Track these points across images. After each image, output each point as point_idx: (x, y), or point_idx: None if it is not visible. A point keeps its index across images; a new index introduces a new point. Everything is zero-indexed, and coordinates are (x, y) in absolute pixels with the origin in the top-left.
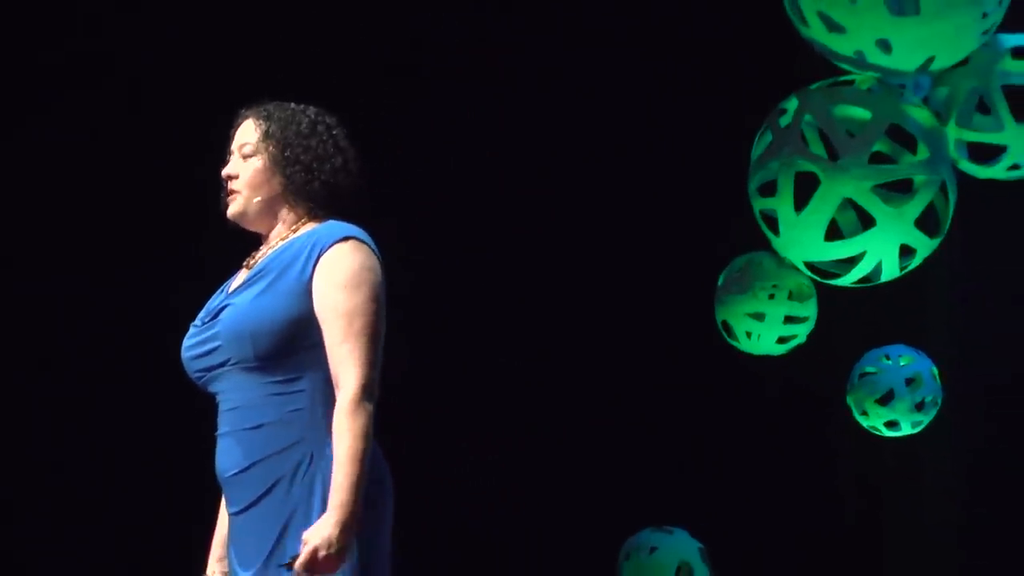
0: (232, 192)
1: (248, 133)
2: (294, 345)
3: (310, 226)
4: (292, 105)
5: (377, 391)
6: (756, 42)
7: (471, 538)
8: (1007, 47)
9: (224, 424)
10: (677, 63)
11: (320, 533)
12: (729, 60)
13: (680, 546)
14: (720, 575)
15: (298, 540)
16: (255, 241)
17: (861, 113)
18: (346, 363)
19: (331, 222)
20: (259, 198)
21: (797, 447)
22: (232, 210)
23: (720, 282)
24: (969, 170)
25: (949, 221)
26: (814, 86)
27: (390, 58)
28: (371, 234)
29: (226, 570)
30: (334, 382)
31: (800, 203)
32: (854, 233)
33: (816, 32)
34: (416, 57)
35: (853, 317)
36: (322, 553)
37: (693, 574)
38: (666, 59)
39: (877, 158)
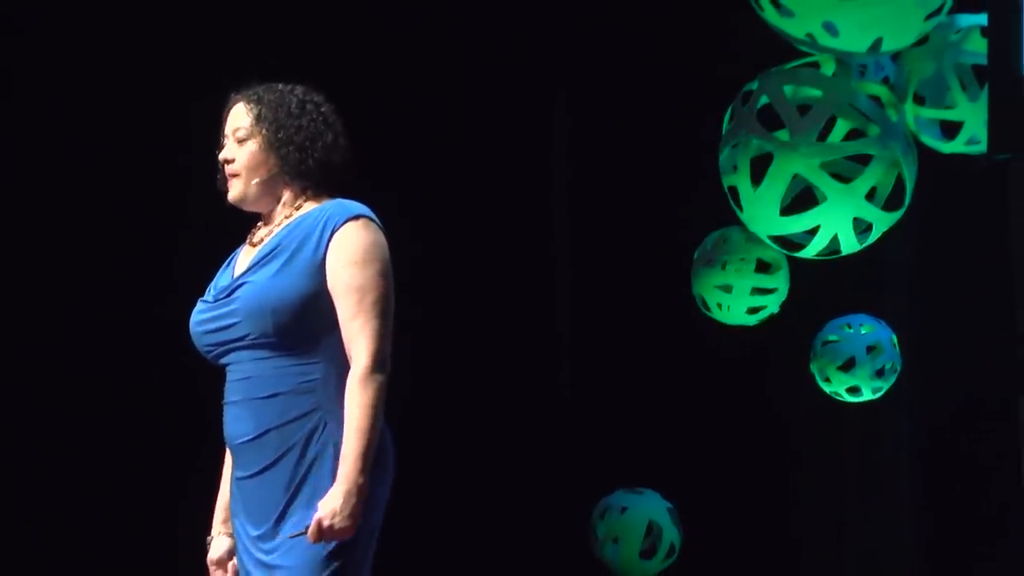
0: (231, 176)
1: (240, 117)
2: (310, 320)
3: (314, 204)
4: (280, 86)
5: (389, 364)
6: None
7: (450, 499)
8: (961, 27)
9: (235, 393)
10: (658, 38)
11: (329, 504)
12: (711, 36)
13: (650, 506)
14: (687, 533)
15: (308, 503)
16: (247, 219)
17: (815, 93)
18: (358, 337)
19: (339, 200)
20: (257, 180)
21: (762, 413)
22: (233, 194)
23: (696, 256)
24: (933, 145)
25: (908, 195)
26: (778, 68)
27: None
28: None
29: (230, 531)
30: (347, 355)
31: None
32: None
33: (770, 16)
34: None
35: (816, 288)
36: (326, 523)
37: (662, 532)
38: (648, 34)
39: (853, 135)
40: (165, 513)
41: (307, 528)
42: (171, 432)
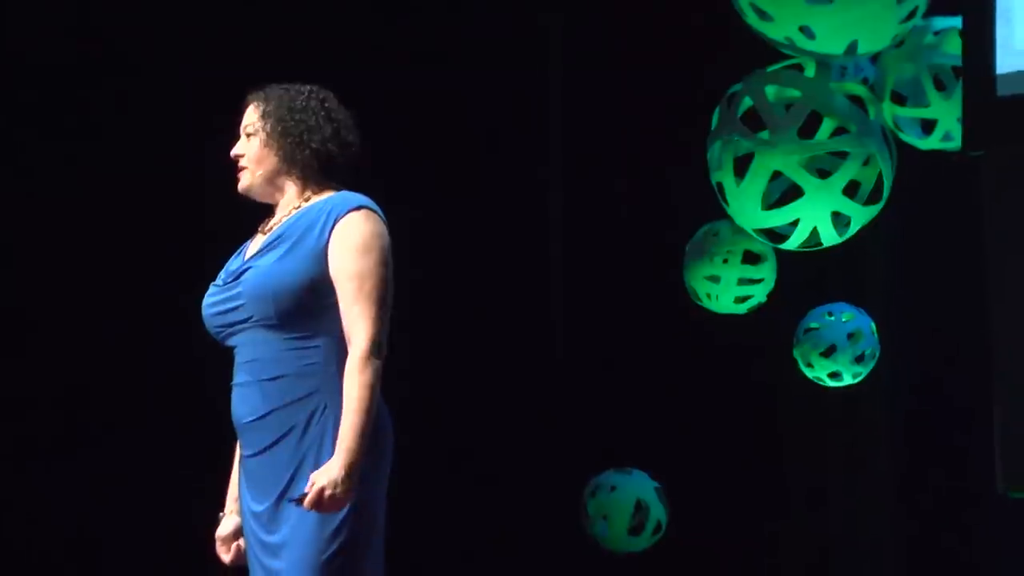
0: (241, 169)
1: (250, 115)
2: (311, 305)
3: (321, 195)
4: (291, 85)
5: (385, 348)
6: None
7: (445, 478)
8: (936, 29)
9: (242, 375)
10: (657, 38)
11: (328, 475)
12: (709, 37)
13: (638, 485)
14: (673, 511)
15: (308, 480)
16: (260, 211)
17: (795, 93)
18: (357, 322)
19: (344, 192)
20: (260, 172)
21: (748, 396)
22: (241, 185)
23: (687, 248)
24: (912, 142)
25: (887, 190)
26: (761, 70)
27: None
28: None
29: (239, 510)
30: (346, 339)
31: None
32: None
33: (752, 21)
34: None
35: (800, 278)
36: (327, 492)
37: (650, 510)
38: (647, 34)
39: (839, 132)
40: (166, 512)
41: (303, 496)
42: (172, 431)
